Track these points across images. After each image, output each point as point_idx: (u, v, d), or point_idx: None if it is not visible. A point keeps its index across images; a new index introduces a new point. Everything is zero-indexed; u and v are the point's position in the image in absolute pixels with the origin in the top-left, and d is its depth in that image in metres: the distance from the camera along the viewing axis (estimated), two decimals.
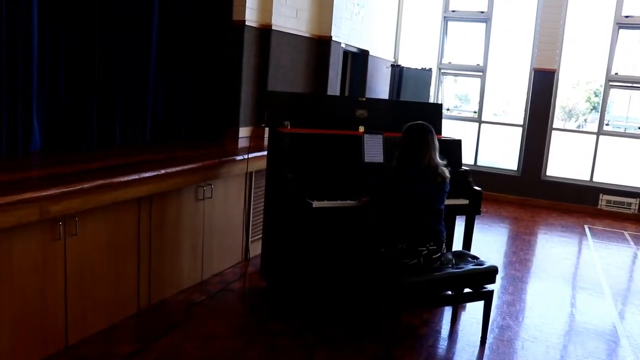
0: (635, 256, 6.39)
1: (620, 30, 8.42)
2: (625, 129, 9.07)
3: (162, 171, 3.62)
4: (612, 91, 8.71)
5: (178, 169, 3.78)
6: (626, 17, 8.34)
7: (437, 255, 3.49)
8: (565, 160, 9.51)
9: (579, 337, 4.00)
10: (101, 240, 3.36)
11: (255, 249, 4.97)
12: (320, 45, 6.85)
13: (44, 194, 2.80)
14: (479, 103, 9.33)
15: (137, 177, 3.41)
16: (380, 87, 8.87)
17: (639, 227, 7.82)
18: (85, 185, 3.04)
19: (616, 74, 8.51)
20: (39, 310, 3.01)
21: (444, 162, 3.52)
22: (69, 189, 2.94)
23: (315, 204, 3.70)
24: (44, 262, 2.99)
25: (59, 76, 4.09)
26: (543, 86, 8.62)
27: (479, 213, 4.45)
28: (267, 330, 3.65)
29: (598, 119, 8.75)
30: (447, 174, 3.51)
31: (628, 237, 7.18)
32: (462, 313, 4.20)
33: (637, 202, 8.35)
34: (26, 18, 3.69)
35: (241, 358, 3.27)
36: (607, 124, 8.71)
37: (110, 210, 3.37)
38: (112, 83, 4.46)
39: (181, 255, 4.12)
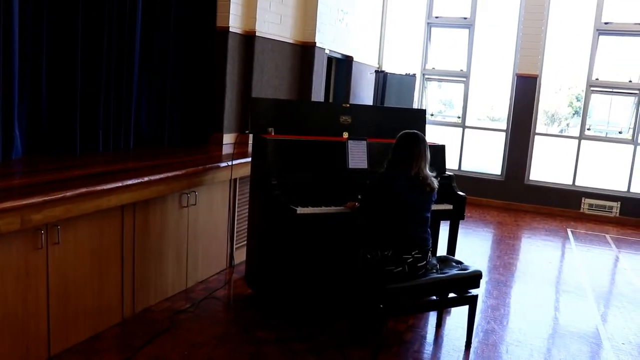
0: (616, 259, 6.46)
1: (600, 37, 8.55)
2: (607, 133, 9.18)
3: (146, 178, 3.60)
4: (593, 96, 8.83)
5: (162, 176, 3.76)
6: (606, 23, 8.47)
7: (423, 263, 3.50)
8: (548, 165, 9.61)
9: (563, 340, 4.03)
10: (84, 248, 3.33)
11: (240, 256, 4.95)
12: (304, 51, 6.87)
13: (25, 202, 2.77)
14: (463, 108, 9.40)
15: (120, 184, 3.38)
16: (364, 93, 8.91)
17: (620, 230, 7.92)
18: (68, 194, 3.01)
19: (597, 79, 8.63)
20: (21, 320, 2.97)
21: (434, 174, 3.54)
22: (51, 197, 2.91)
23: (300, 210, 3.70)
24: (25, 271, 2.95)
25: (41, 83, 4.05)
26: (526, 91, 8.71)
27: (462, 218, 4.49)
28: (253, 337, 3.64)
29: (580, 124, 8.86)
30: (436, 184, 3.52)
31: (610, 240, 7.26)
32: (447, 318, 4.22)
33: (618, 205, 8.46)
34: (6, 25, 3.65)
35: None
36: (588, 129, 8.82)
37: (93, 218, 3.34)
38: (95, 90, 4.43)
39: (165, 263, 4.09)
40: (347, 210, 3.83)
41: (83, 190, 3.12)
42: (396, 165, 3.49)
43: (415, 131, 3.58)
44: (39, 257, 3.02)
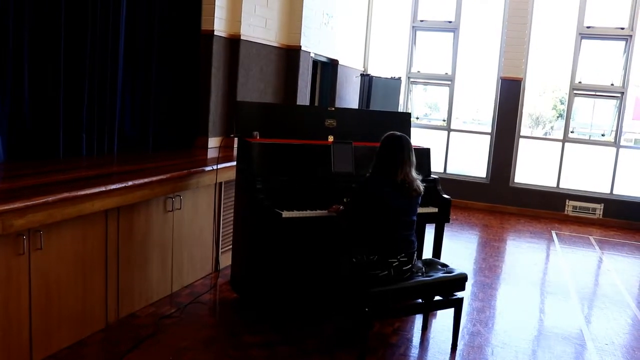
0: (600, 260, 6.52)
1: (583, 40, 8.64)
2: (590, 136, 9.28)
3: (130, 183, 3.57)
4: (577, 99, 8.92)
5: (146, 180, 3.73)
6: (588, 27, 8.57)
7: (408, 266, 3.50)
8: (533, 167, 9.69)
9: (547, 342, 4.06)
10: (67, 254, 3.30)
11: (226, 260, 4.93)
12: (289, 54, 6.87)
13: (6, 207, 2.74)
14: (448, 111, 9.45)
15: (103, 189, 3.35)
16: (350, 97, 8.92)
17: (603, 232, 7.99)
18: (50, 199, 2.98)
19: (580, 82, 8.72)
20: (2, 327, 2.92)
21: (420, 177, 3.53)
22: (33, 202, 2.88)
23: (285, 214, 3.69)
24: (7, 277, 2.91)
25: (23, 86, 4.01)
26: (510, 94, 8.78)
27: (448, 221, 4.49)
28: (239, 342, 3.62)
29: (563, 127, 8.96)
30: (422, 188, 3.52)
31: (593, 242, 7.33)
32: (433, 320, 4.23)
33: (602, 207, 8.55)
34: None
35: None
36: (572, 132, 8.91)
37: (76, 223, 3.31)
38: (79, 93, 4.39)
39: (150, 267, 4.06)
40: (331, 213, 3.82)
41: (66, 195, 3.09)
42: (381, 171, 3.48)
43: (400, 134, 3.55)
44: (21, 262, 2.98)
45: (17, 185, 3.24)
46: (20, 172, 3.66)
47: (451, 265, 3.84)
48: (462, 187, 9.08)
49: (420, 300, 3.78)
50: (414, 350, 3.78)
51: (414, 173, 3.48)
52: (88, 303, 3.51)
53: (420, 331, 4.06)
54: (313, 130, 4.35)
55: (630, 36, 8.41)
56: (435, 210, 4.34)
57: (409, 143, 3.52)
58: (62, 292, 3.29)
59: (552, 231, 7.79)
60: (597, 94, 8.87)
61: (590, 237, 7.63)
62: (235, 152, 4.52)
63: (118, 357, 3.29)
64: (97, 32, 4.48)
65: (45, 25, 4.11)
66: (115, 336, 3.58)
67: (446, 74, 9.41)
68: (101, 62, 4.56)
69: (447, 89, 9.46)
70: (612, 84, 8.66)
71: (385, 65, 9.82)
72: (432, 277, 3.63)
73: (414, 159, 3.51)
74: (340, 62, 8.45)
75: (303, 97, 7.12)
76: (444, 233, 4.62)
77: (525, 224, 8.12)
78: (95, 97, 4.54)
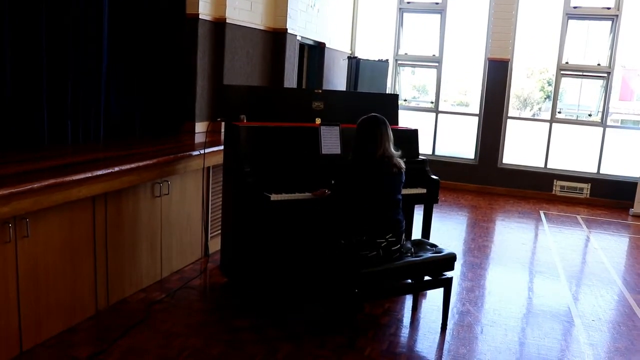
0: (587, 239, 6.58)
1: (570, 21, 8.65)
2: (577, 116, 9.32)
3: (116, 168, 3.54)
4: (564, 80, 8.95)
5: (132, 165, 3.70)
6: (575, 7, 8.57)
7: (397, 246, 3.52)
8: (521, 148, 9.73)
9: (536, 320, 4.10)
10: (55, 241, 3.27)
11: (215, 245, 4.92)
12: (275, 38, 6.81)
13: None
14: (436, 93, 9.44)
15: (89, 175, 3.32)
16: (337, 79, 8.89)
17: (590, 211, 8.06)
18: (35, 185, 2.94)
19: (567, 63, 8.73)
20: None
21: (399, 153, 3.55)
22: (18, 189, 2.84)
23: (273, 197, 3.69)
24: None
25: (5, 72, 3.93)
26: (497, 75, 8.78)
27: (436, 202, 4.51)
28: (229, 326, 3.63)
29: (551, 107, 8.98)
30: (403, 164, 3.54)
31: (581, 221, 7.40)
32: (423, 300, 4.26)
33: (589, 187, 8.62)
34: None
35: (204, 355, 3.24)
36: (559, 112, 8.94)
37: (63, 210, 3.28)
38: (63, 79, 4.33)
39: (139, 253, 4.05)
40: (317, 197, 3.82)
41: (51, 181, 3.06)
42: (361, 151, 3.50)
43: (374, 114, 3.58)
44: (8, 251, 2.95)
45: (1, 173, 3.19)
46: (5, 160, 3.61)
47: (440, 246, 3.86)
48: (450, 168, 9.11)
49: (409, 281, 3.80)
50: (405, 331, 3.81)
51: (392, 148, 3.51)
52: (77, 290, 3.49)
53: (411, 311, 4.08)
54: (300, 112, 4.33)
55: (617, 16, 8.43)
56: (424, 191, 4.35)
57: (384, 120, 3.55)
58: (51, 280, 3.27)
59: (540, 211, 7.84)
60: (584, 74, 8.89)
61: (577, 216, 7.70)
62: (222, 136, 4.49)
63: (108, 344, 3.28)
64: (80, 16, 4.41)
65: (27, 9, 4.04)
66: (106, 323, 3.57)
67: (434, 55, 9.39)
68: (85, 47, 4.49)
69: (434, 71, 9.44)
70: (598, 64, 8.68)
71: (372, 48, 9.79)
72: (421, 257, 3.64)
73: (391, 134, 3.53)
74: (327, 45, 8.41)
75: (290, 81, 7.08)
76: (433, 214, 4.64)
77: (513, 204, 8.17)
78: (80, 83, 4.48)
